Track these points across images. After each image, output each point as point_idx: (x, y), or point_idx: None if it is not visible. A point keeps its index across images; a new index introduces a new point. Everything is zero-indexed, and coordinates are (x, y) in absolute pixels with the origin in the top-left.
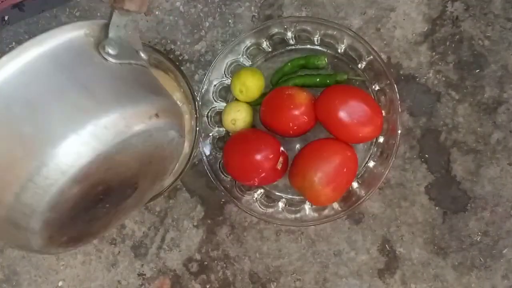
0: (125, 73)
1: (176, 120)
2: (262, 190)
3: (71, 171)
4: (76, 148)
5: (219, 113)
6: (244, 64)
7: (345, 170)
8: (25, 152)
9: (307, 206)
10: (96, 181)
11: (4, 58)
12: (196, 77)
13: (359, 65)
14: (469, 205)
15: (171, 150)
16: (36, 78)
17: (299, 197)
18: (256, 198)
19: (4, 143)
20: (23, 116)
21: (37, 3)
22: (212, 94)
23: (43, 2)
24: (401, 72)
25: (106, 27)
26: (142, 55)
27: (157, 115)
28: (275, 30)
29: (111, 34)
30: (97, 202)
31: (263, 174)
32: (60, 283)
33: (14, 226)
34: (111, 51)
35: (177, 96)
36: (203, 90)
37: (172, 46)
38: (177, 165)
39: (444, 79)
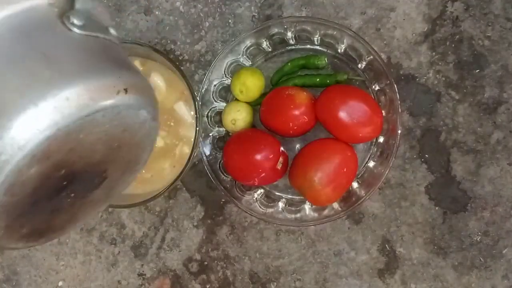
0: (92, 45)
1: (148, 100)
2: (262, 190)
3: (28, 146)
4: (34, 120)
5: (219, 113)
6: (244, 64)
7: (345, 170)
8: None
9: (307, 206)
10: (59, 163)
11: None
12: (196, 77)
13: (359, 65)
14: (469, 205)
15: (143, 135)
16: None
17: (299, 197)
18: (256, 198)
19: None
20: None
21: None
22: (212, 94)
23: None
24: (401, 72)
25: None
26: (112, 31)
27: (126, 90)
28: (275, 30)
29: (78, 5)
30: (60, 190)
31: (263, 174)
32: (60, 283)
33: None
34: (76, 22)
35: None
36: (203, 90)
37: (172, 46)
38: (177, 165)
39: (444, 79)
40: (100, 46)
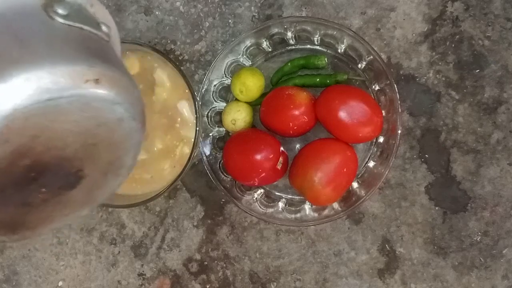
0: (71, 35)
1: (126, 97)
2: (262, 190)
3: None
4: None
5: (219, 113)
6: (244, 64)
7: (345, 170)
8: None
9: (307, 206)
10: (21, 149)
11: None
12: (196, 77)
13: (359, 65)
14: (469, 205)
15: (123, 136)
16: None
17: (299, 197)
18: (256, 198)
19: None
20: None
21: None
22: (212, 94)
23: None
24: (401, 72)
25: None
26: (104, 28)
27: (97, 81)
28: (275, 30)
29: None
30: (29, 181)
31: (263, 174)
32: (60, 283)
33: None
34: (60, 11)
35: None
36: (203, 90)
37: (172, 46)
38: (177, 166)
39: (444, 79)
40: (82, 38)
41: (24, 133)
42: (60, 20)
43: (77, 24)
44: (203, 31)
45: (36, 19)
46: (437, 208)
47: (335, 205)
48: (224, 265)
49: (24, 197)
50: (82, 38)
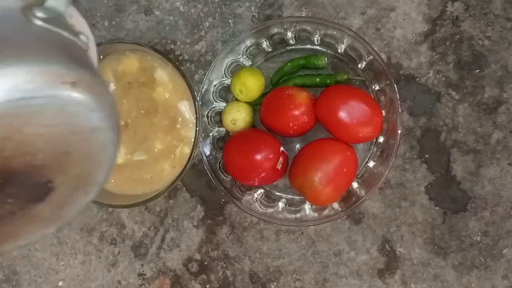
0: (51, 38)
1: (102, 104)
2: (262, 190)
3: None
4: None
5: (219, 113)
6: (244, 64)
7: (345, 170)
8: None
9: (307, 206)
10: None
11: None
12: (196, 77)
13: (359, 65)
14: (469, 205)
15: (97, 147)
16: None
17: (299, 197)
18: (256, 198)
19: None
20: None
21: None
22: (212, 94)
23: None
24: (401, 72)
25: None
26: (83, 37)
27: (74, 84)
28: (275, 30)
29: (47, 3)
30: None
31: (263, 174)
32: (60, 283)
33: None
34: (38, 14)
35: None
36: (203, 90)
37: (172, 46)
38: (177, 166)
39: (444, 79)
40: (61, 42)
41: None
42: (39, 23)
43: (56, 29)
44: (203, 31)
45: (15, 21)
46: (437, 208)
47: (335, 205)
48: (224, 265)
49: None
50: (61, 43)
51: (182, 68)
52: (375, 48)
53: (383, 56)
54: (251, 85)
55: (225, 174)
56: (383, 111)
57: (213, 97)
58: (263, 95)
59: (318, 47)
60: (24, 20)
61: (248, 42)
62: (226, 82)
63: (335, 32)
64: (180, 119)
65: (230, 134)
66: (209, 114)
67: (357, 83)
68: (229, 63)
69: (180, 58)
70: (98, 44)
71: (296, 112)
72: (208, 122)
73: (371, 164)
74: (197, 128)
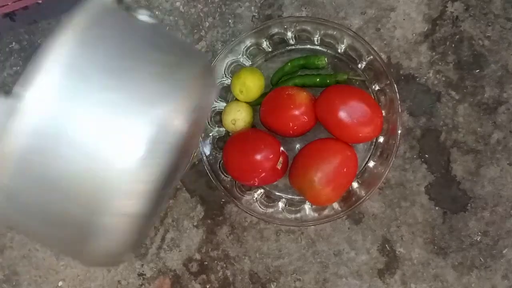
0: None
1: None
2: (262, 190)
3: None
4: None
5: (219, 113)
6: (244, 64)
7: (345, 170)
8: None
9: (307, 206)
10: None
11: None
12: None
13: (359, 65)
14: (469, 205)
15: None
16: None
17: (299, 197)
18: (256, 198)
19: None
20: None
21: (29, 13)
22: None
23: (34, 12)
24: (401, 72)
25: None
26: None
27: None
28: (275, 30)
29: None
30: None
31: (263, 174)
32: (60, 283)
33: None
34: (142, 11)
35: None
36: None
37: None
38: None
39: (444, 79)
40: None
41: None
42: (150, 20)
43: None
44: (203, 31)
45: (133, 24)
46: (437, 208)
47: (335, 205)
48: (224, 265)
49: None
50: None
51: None
52: (375, 48)
53: (383, 56)
54: (251, 85)
55: (225, 174)
56: (383, 111)
57: None
58: (263, 95)
59: (318, 47)
60: (138, 21)
61: (248, 42)
62: (226, 82)
63: (335, 32)
64: None
65: (230, 134)
66: (209, 114)
67: (357, 83)
68: (229, 63)
69: None
70: None
71: (296, 112)
72: (208, 122)
73: (371, 164)
74: None
